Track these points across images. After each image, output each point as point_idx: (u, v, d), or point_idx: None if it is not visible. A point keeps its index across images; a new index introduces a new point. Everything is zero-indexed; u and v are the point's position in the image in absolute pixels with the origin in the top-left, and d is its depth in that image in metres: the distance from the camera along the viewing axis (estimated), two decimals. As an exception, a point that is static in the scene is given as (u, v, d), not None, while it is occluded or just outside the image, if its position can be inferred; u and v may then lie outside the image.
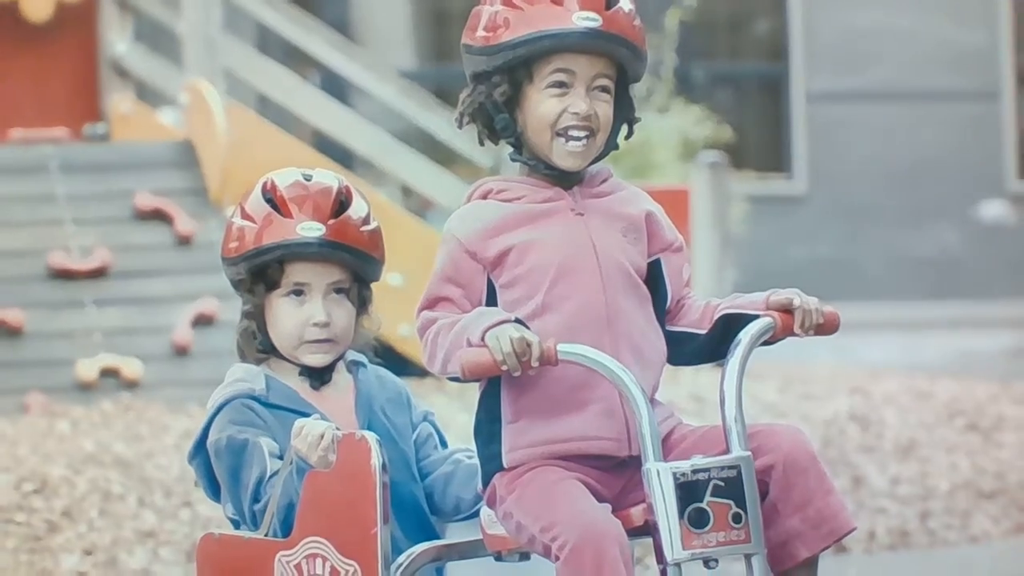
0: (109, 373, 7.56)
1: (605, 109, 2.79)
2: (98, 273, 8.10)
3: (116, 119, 9.87)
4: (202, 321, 7.88)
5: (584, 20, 2.74)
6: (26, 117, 9.73)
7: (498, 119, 2.80)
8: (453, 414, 6.06)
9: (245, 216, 3.00)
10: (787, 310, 2.72)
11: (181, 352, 7.76)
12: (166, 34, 9.92)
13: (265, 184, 3.03)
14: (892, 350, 9.82)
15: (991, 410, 7.20)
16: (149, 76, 9.93)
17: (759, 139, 13.85)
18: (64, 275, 8.06)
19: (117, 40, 9.90)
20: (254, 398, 2.96)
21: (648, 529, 2.60)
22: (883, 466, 6.20)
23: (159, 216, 8.46)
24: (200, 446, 2.97)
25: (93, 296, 8.01)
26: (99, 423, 6.72)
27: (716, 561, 2.58)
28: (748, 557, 2.59)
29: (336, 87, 10.65)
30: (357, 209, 3.02)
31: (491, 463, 2.74)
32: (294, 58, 10.64)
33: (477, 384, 2.75)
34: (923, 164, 13.69)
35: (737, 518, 2.57)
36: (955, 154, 13.69)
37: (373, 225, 3.03)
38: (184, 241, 8.35)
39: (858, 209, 13.61)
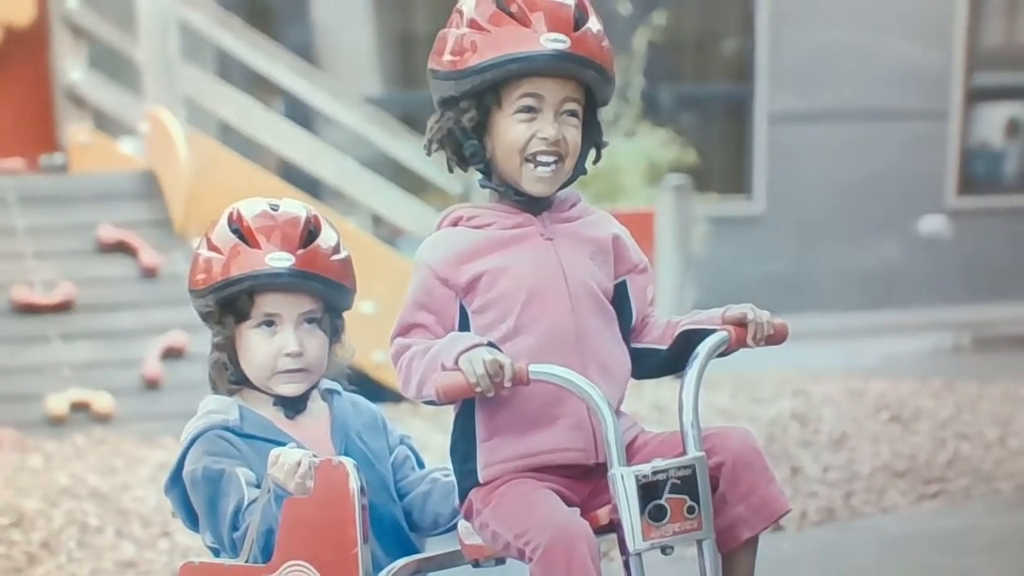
0: (79, 407, 7.46)
1: (573, 134, 2.78)
2: (63, 307, 8.01)
3: (74, 149, 9.64)
4: (171, 354, 7.79)
5: (552, 42, 2.69)
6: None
7: (467, 145, 2.78)
8: (429, 436, 6.22)
9: (212, 247, 2.97)
10: (741, 324, 2.82)
11: (151, 385, 7.67)
12: (123, 61, 9.64)
13: (231, 215, 2.99)
14: (833, 355, 10.62)
15: (911, 403, 8.00)
16: (106, 104, 9.64)
17: (723, 161, 13.90)
18: (28, 309, 7.97)
19: (71, 67, 9.67)
20: (228, 429, 2.94)
21: (613, 527, 2.71)
22: (817, 457, 6.82)
23: (123, 248, 8.35)
24: (176, 477, 2.96)
25: (59, 330, 7.91)
26: (72, 456, 6.69)
27: (672, 548, 2.70)
28: (699, 542, 2.73)
29: (301, 114, 10.34)
30: (326, 238, 2.99)
31: (467, 479, 2.81)
32: (257, 85, 10.33)
33: (452, 406, 2.79)
34: (870, 182, 13.97)
35: (691, 510, 2.70)
36: (901, 171, 14.03)
37: (343, 254, 3.01)
38: (149, 273, 8.25)
39: (810, 227, 13.90)
